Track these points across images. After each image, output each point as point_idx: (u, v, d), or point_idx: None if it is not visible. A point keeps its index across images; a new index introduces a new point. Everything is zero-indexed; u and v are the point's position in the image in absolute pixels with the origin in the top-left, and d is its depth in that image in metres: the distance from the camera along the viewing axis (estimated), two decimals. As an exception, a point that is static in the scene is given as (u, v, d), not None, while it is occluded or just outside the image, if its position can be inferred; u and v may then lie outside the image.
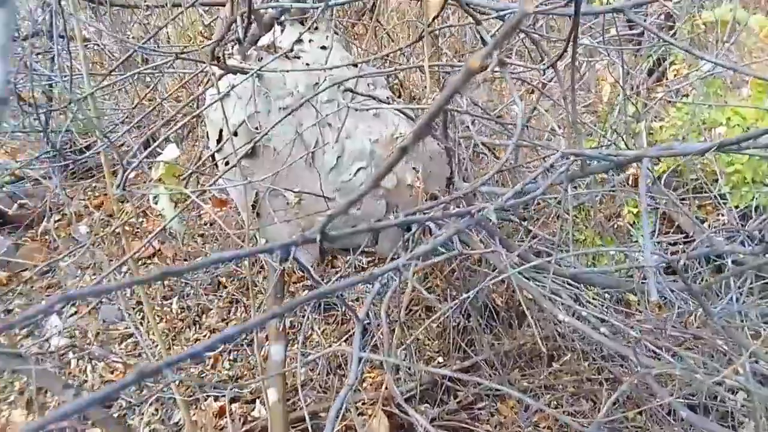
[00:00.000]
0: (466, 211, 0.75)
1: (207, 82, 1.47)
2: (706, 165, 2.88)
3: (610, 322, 1.57)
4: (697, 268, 2.30)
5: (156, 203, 1.19)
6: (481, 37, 1.01)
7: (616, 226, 2.73)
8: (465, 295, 1.45)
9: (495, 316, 2.57)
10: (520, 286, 1.42)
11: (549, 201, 1.97)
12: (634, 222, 2.66)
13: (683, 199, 2.83)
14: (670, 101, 2.71)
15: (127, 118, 2.08)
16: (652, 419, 2.00)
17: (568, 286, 1.88)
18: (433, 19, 0.97)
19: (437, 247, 1.51)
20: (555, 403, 2.32)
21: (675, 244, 2.22)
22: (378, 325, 2.15)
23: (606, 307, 1.87)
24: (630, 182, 3.14)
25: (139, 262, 3.17)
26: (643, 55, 2.94)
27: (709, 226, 2.70)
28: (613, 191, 2.28)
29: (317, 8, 1.45)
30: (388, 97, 1.66)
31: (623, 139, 1.91)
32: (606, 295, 2.14)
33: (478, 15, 0.99)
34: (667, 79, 3.37)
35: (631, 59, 2.85)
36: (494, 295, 2.68)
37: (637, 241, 2.63)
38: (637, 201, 2.94)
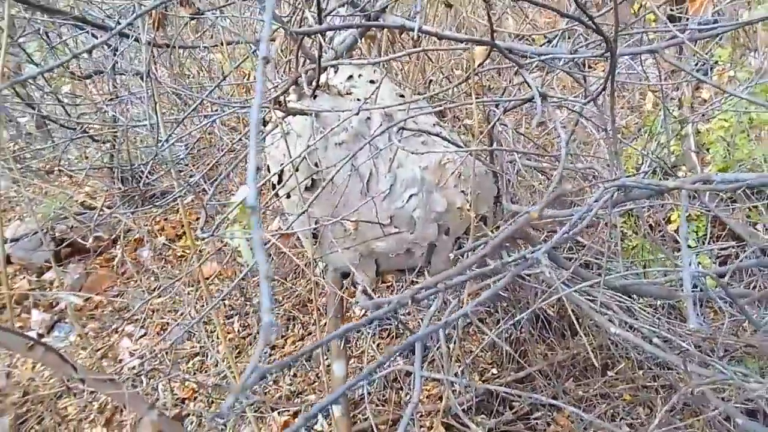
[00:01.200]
0: (521, 257, 0.83)
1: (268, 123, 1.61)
2: (757, 166, 2.86)
3: (661, 332, 1.62)
4: (751, 274, 2.30)
5: (231, 240, 1.32)
6: (524, 79, 1.10)
7: (665, 233, 2.74)
8: (519, 315, 1.52)
9: (547, 327, 2.62)
10: (571, 300, 1.49)
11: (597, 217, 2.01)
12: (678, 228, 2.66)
13: (734, 201, 2.82)
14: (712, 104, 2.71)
15: (190, 153, 2.25)
16: (709, 425, 2.02)
17: (618, 298, 1.93)
18: (479, 65, 1.06)
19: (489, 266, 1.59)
20: (611, 411, 2.36)
21: (726, 248, 2.24)
22: (434, 341, 2.24)
23: (658, 317, 1.91)
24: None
25: (200, 283, 3.35)
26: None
27: (765, 229, 2.69)
28: (661, 198, 2.30)
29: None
30: (434, 124, 1.77)
31: (663, 161, 1.94)
32: (659, 304, 2.17)
33: (519, 59, 1.08)
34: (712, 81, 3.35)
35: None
36: (545, 306, 2.73)
37: (689, 247, 2.64)
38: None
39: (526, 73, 1.06)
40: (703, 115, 2.55)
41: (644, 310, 1.87)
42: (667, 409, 1.15)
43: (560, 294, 1.28)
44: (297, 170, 1.58)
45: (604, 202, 1.00)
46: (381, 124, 1.59)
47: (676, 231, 2.81)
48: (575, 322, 1.71)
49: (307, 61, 1.45)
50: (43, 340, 2.46)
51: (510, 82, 1.54)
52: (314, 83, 1.34)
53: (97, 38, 2.19)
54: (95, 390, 2.01)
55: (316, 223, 1.67)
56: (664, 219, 2.78)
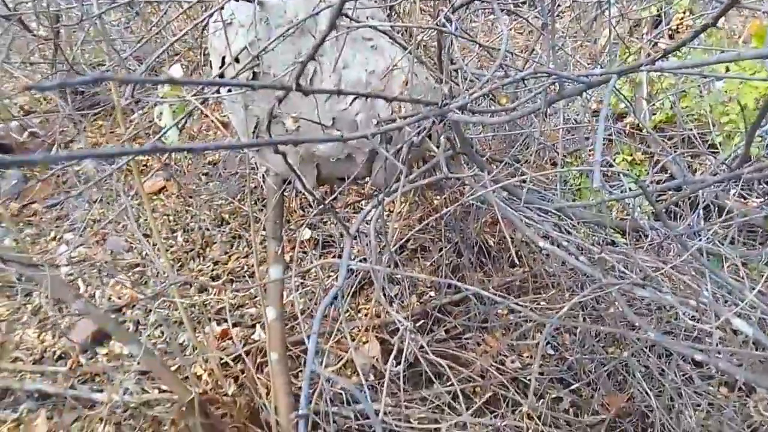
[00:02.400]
0: (440, 113, 0.84)
1: (209, 8, 1.54)
2: (702, 116, 2.95)
3: (588, 250, 1.69)
4: (682, 216, 2.40)
5: (159, 119, 1.29)
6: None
7: (609, 174, 2.82)
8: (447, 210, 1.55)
9: (487, 256, 2.69)
10: (503, 214, 1.53)
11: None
12: (628, 169, 2.74)
13: (676, 148, 2.90)
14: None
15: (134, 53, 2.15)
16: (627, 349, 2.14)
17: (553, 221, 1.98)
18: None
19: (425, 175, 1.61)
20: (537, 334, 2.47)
21: (664, 191, 2.31)
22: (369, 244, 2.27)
23: (591, 243, 1.98)
24: (627, 131, 3.22)
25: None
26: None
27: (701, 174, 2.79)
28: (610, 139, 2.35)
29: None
30: (386, 28, 1.73)
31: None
32: (591, 233, 2.25)
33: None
34: (672, 30, 3.39)
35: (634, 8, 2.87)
36: (486, 236, 2.80)
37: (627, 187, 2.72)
38: (631, 149, 3.02)
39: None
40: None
41: (575, 233, 1.94)
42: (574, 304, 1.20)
43: (482, 191, 1.31)
44: (237, 61, 1.54)
45: (538, 95, 1.01)
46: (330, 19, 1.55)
47: (625, 174, 2.89)
48: (511, 250, 1.76)
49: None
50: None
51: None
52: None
53: None
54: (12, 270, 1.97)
55: (257, 120, 1.65)
56: (608, 163, 2.85)
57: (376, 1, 1.66)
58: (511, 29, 1.37)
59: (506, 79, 0.99)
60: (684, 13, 3.11)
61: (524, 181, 1.56)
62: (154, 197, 3.33)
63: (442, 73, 1.56)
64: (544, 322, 1.25)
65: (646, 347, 2.24)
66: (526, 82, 1.58)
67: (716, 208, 2.45)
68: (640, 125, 2.96)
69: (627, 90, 3.18)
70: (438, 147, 1.64)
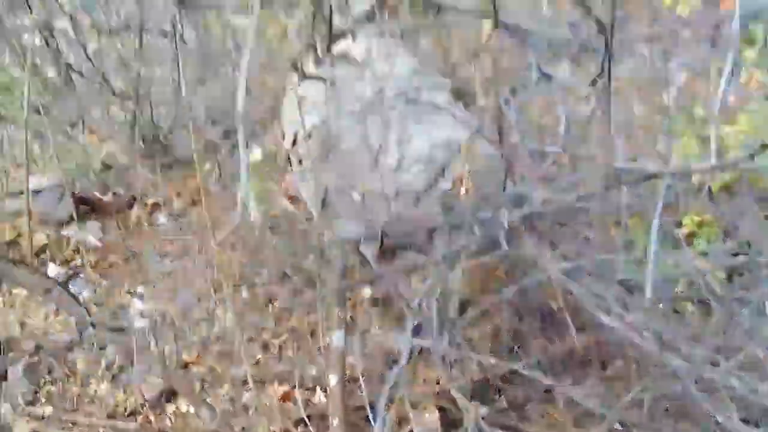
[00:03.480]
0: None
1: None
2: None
3: (654, 327, 1.69)
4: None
5: (240, 192, 1.43)
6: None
7: (677, 235, 2.77)
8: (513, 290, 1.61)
9: (549, 320, 2.68)
10: (564, 286, 1.57)
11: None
12: (695, 232, 2.69)
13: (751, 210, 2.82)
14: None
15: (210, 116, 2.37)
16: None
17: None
18: (488, 40, 1.15)
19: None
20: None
21: (737, 255, 2.27)
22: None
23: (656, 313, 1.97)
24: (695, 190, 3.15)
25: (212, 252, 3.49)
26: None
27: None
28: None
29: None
30: (447, 102, 1.85)
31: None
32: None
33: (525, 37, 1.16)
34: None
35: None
36: (549, 300, 2.79)
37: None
38: (700, 210, 2.96)
39: (530, 52, 1.15)
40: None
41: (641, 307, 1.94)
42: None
43: (547, 273, 1.36)
44: (309, 136, 1.69)
45: (597, 186, 1.08)
46: (394, 97, 1.68)
47: (691, 235, 2.83)
48: (578, 317, 1.78)
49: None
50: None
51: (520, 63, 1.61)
52: (327, 48, 1.44)
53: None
54: (102, 339, 2.15)
55: (326, 190, 1.78)
56: (676, 222, 2.80)
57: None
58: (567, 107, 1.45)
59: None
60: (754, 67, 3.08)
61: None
62: (222, 251, 3.53)
63: (503, 146, 1.65)
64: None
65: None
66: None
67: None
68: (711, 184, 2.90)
69: (694, 143, 3.12)
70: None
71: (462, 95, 1.84)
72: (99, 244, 3.55)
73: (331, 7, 1.37)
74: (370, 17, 1.64)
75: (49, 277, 1.74)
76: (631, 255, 2.32)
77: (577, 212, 2.41)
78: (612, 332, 2.49)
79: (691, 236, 2.87)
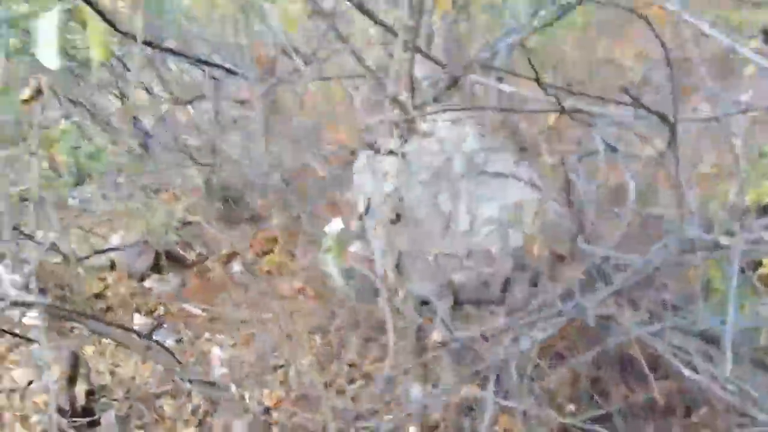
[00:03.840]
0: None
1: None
2: None
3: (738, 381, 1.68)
4: None
5: (324, 265, 1.55)
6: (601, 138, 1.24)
7: (759, 276, 2.69)
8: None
9: (629, 367, 2.66)
10: (645, 342, 1.59)
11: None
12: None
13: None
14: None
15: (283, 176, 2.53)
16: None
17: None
18: (554, 125, 1.22)
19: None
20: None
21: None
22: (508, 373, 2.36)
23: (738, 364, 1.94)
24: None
25: (285, 299, 3.64)
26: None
27: None
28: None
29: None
30: (515, 162, 1.92)
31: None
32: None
33: (589, 119, 1.23)
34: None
35: None
36: (628, 348, 2.77)
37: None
38: (787, 247, 2.88)
39: (595, 133, 1.21)
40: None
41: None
42: None
43: (630, 334, 1.40)
44: (383, 203, 1.79)
45: (666, 253, 1.12)
46: (462, 165, 1.77)
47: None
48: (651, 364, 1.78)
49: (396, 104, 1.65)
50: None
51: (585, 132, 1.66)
52: (405, 128, 1.54)
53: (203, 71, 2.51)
54: (195, 391, 2.30)
55: (399, 253, 1.87)
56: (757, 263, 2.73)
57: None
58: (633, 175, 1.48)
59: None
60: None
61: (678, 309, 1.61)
62: (295, 298, 3.68)
63: (570, 207, 1.70)
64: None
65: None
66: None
67: None
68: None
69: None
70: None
71: (528, 152, 1.90)
72: (179, 294, 3.77)
73: (413, 87, 1.47)
74: (438, 97, 1.74)
75: (144, 336, 1.89)
76: (710, 302, 2.28)
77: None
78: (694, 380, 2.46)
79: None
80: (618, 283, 1.10)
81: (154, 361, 2.10)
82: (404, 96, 1.57)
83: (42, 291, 1.62)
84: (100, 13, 1.05)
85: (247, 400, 3.02)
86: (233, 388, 3.14)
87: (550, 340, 2.68)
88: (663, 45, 0.97)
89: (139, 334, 1.91)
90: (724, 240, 1.05)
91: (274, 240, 3.84)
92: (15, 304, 1.44)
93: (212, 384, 1.90)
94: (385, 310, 1.64)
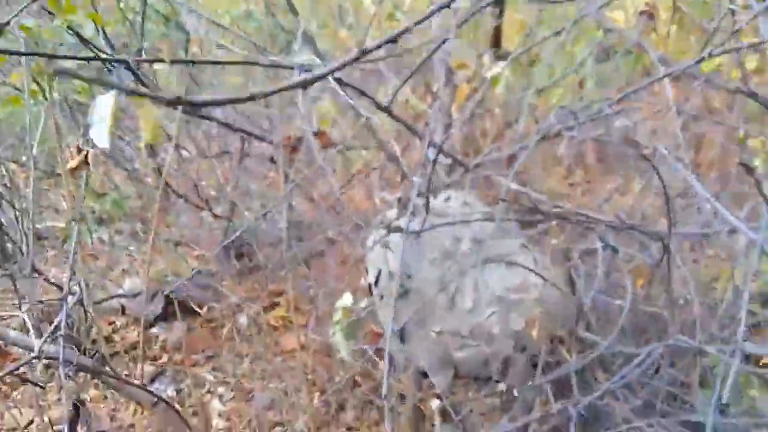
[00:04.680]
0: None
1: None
2: None
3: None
4: None
5: (333, 336, 1.62)
6: (600, 239, 1.33)
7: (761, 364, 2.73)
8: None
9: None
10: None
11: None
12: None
13: None
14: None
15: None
16: None
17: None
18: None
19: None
20: None
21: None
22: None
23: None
24: None
25: (289, 353, 3.68)
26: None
27: None
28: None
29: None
30: (522, 245, 2.01)
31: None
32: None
33: (590, 224, 1.33)
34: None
35: None
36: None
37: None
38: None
39: (595, 236, 1.30)
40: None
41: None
42: None
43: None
44: (391, 278, 1.88)
45: (657, 356, 1.19)
46: (470, 246, 1.86)
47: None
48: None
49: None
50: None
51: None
52: (416, 208, 1.64)
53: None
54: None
55: (403, 327, 1.94)
56: None
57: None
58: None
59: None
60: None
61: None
62: (292, 353, 3.72)
63: (574, 294, 1.78)
64: None
65: None
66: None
67: None
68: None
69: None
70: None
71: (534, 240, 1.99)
72: (182, 342, 3.82)
73: (433, 170, 1.57)
74: (451, 183, 1.85)
75: (151, 392, 1.95)
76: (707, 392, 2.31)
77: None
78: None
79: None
80: (617, 378, 1.17)
81: (160, 418, 2.15)
82: (417, 178, 1.68)
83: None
84: (155, 97, 1.17)
85: (244, 457, 3.04)
86: (230, 443, 3.16)
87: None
88: (660, 178, 1.08)
89: (149, 392, 1.97)
90: (709, 349, 1.12)
91: (281, 294, 3.92)
92: (38, 358, 1.51)
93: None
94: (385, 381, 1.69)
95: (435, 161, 1.49)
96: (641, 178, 2.21)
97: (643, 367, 1.29)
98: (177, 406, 2.21)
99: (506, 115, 2.41)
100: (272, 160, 2.60)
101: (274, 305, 4.06)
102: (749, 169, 1.02)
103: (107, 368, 2.15)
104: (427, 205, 1.66)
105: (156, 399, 1.91)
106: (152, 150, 3.04)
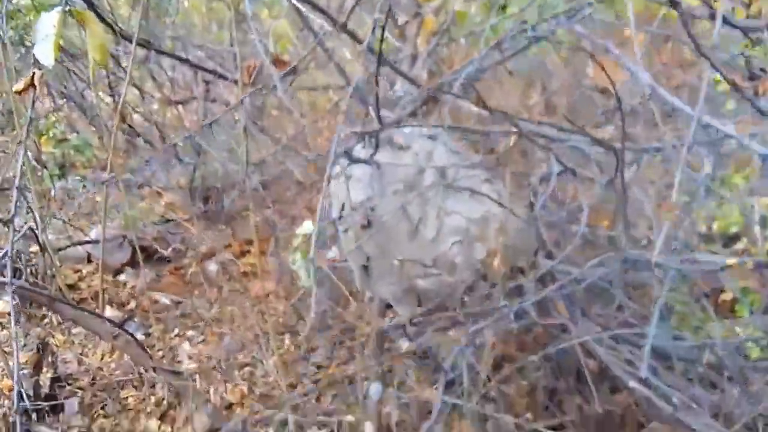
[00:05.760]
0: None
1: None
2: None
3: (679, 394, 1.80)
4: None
5: (293, 264, 1.64)
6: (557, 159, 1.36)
7: (720, 301, 2.84)
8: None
9: (587, 381, 2.77)
10: (593, 351, 1.71)
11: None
12: (736, 298, 2.74)
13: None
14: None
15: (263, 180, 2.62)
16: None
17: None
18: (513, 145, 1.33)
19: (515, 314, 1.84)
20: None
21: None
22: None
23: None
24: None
25: (259, 299, 3.71)
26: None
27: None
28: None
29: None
30: (485, 179, 2.03)
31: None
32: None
33: (546, 143, 1.34)
34: None
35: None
36: (588, 360, 2.89)
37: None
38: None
39: (552, 155, 1.32)
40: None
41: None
42: None
43: (576, 339, 1.51)
44: (354, 209, 1.89)
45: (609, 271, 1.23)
46: (433, 178, 1.88)
47: (734, 301, 2.89)
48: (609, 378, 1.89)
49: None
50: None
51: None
52: (376, 141, 1.65)
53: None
54: (160, 380, 2.36)
55: (367, 257, 1.97)
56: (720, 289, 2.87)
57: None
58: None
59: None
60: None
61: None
62: (265, 299, 3.75)
63: (533, 225, 1.81)
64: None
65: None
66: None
67: None
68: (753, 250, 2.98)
69: (737, 212, 3.20)
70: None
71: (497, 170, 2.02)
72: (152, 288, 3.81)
73: (378, 100, 1.57)
74: (413, 113, 1.85)
75: (114, 323, 1.96)
76: (668, 323, 2.41)
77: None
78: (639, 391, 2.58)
79: (733, 303, 2.92)
80: (555, 286, 1.21)
81: (121, 349, 2.16)
82: (377, 109, 1.68)
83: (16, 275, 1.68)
84: (101, 17, 1.14)
85: (212, 395, 3.08)
86: (198, 381, 3.20)
87: (509, 350, 2.80)
88: (613, 85, 1.09)
89: (109, 320, 1.98)
90: (658, 259, 1.16)
91: (251, 242, 3.92)
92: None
93: (176, 373, 1.96)
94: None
95: (377, 74, 1.47)
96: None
97: (595, 277, 1.33)
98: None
99: (471, 49, 2.39)
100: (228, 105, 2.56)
101: (244, 253, 4.07)
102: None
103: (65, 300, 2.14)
104: (377, 136, 1.66)
105: (117, 331, 1.92)
106: (112, 90, 2.97)
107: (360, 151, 1.89)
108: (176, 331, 3.54)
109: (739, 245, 3.23)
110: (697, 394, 2.00)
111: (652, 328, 1.84)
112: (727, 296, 3.05)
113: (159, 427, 3.01)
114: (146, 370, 2.20)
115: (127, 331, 1.95)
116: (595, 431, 2.60)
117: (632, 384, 1.70)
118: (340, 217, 1.99)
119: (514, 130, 1.25)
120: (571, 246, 1.45)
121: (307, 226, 1.66)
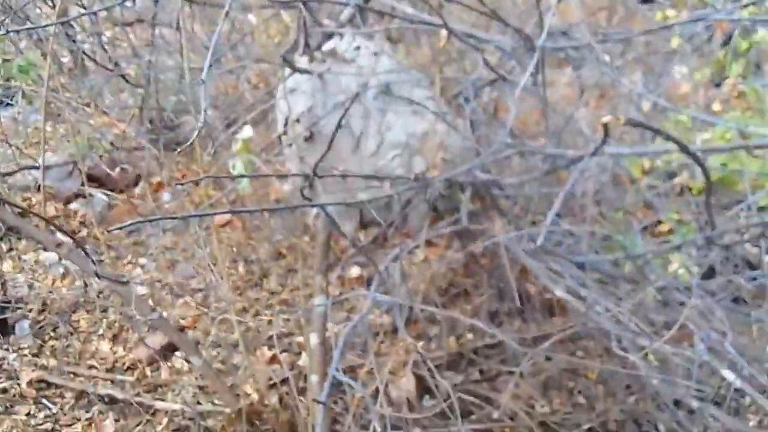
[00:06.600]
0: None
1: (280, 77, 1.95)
2: (756, 181, 3.07)
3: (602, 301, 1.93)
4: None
5: (233, 168, 1.68)
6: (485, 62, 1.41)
7: (656, 232, 3.00)
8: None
9: (526, 303, 2.92)
10: (518, 260, 1.81)
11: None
12: (672, 229, 2.90)
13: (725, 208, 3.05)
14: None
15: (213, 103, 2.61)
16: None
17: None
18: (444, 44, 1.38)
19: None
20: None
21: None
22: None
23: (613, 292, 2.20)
24: (680, 191, 3.37)
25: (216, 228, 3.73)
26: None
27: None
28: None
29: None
30: (427, 98, 2.09)
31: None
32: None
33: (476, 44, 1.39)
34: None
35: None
36: (528, 285, 3.04)
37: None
38: (678, 209, 3.19)
39: (483, 56, 1.38)
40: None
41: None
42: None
43: (499, 237, 1.60)
44: (298, 122, 1.93)
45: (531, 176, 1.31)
46: (376, 90, 1.92)
47: (670, 232, 3.06)
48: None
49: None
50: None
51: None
52: (317, 46, 1.67)
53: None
54: (108, 290, 2.38)
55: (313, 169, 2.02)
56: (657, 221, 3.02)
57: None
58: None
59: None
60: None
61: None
62: (220, 230, 3.78)
63: (474, 138, 1.88)
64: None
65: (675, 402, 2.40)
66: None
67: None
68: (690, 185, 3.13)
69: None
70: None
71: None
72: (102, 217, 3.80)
73: (307, 12, 1.58)
74: (352, 20, 1.87)
75: (58, 227, 1.98)
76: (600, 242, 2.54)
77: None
78: (585, 317, 2.74)
79: (669, 233, 3.09)
80: (484, 191, 1.29)
81: (65, 257, 2.16)
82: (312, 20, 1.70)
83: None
84: None
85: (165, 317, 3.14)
86: (151, 304, 3.25)
87: (452, 273, 2.92)
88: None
89: (54, 225, 1.99)
90: (572, 153, 1.24)
91: (205, 170, 3.92)
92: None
93: (123, 283, 2.01)
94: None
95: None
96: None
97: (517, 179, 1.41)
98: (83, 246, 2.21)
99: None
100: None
101: (197, 183, 4.06)
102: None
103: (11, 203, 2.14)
104: (317, 48, 1.68)
105: (60, 240, 1.94)
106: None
107: (301, 62, 1.91)
108: (129, 257, 3.56)
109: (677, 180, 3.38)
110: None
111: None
112: (664, 227, 3.22)
113: (111, 349, 3.07)
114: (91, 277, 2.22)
115: (73, 238, 1.97)
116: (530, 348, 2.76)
117: (558, 292, 1.82)
118: (285, 131, 2.03)
119: (442, 24, 1.30)
120: (499, 154, 1.51)
121: (246, 131, 1.69)
